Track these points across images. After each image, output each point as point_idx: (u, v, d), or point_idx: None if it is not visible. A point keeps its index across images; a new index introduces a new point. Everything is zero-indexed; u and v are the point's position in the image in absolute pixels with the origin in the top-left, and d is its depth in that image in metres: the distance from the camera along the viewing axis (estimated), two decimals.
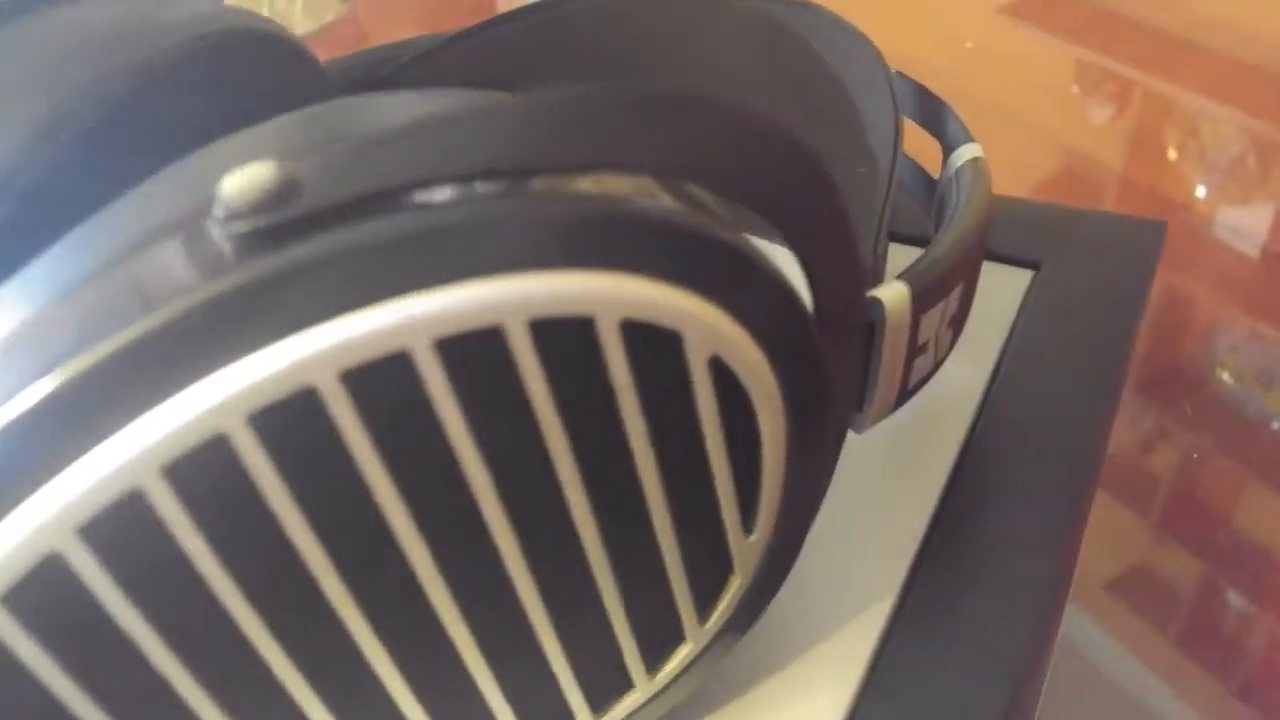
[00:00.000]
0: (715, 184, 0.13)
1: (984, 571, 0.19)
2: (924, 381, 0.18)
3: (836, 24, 0.22)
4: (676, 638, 0.16)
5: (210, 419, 0.11)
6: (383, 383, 0.11)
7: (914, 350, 0.17)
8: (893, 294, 0.16)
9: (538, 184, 0.12)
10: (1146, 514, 0.37)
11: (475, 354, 0.12)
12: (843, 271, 0.15)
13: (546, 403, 0.12)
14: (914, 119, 0.23)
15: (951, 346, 0.19)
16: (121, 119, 0.18)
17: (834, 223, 0.14)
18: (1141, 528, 0.37)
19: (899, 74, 0.23)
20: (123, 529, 0.11)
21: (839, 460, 0.17)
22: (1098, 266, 0.24)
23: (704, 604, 0.16)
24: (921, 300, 0.17)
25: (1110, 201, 0.48)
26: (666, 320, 0.13)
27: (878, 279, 0.18)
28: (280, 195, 0.11)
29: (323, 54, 0.25)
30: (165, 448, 0.11)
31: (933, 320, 0.17)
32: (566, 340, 0.12)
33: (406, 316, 0.11)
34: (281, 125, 0.13)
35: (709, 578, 0.16)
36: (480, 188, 0.12)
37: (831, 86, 0.22)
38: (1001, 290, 0.24)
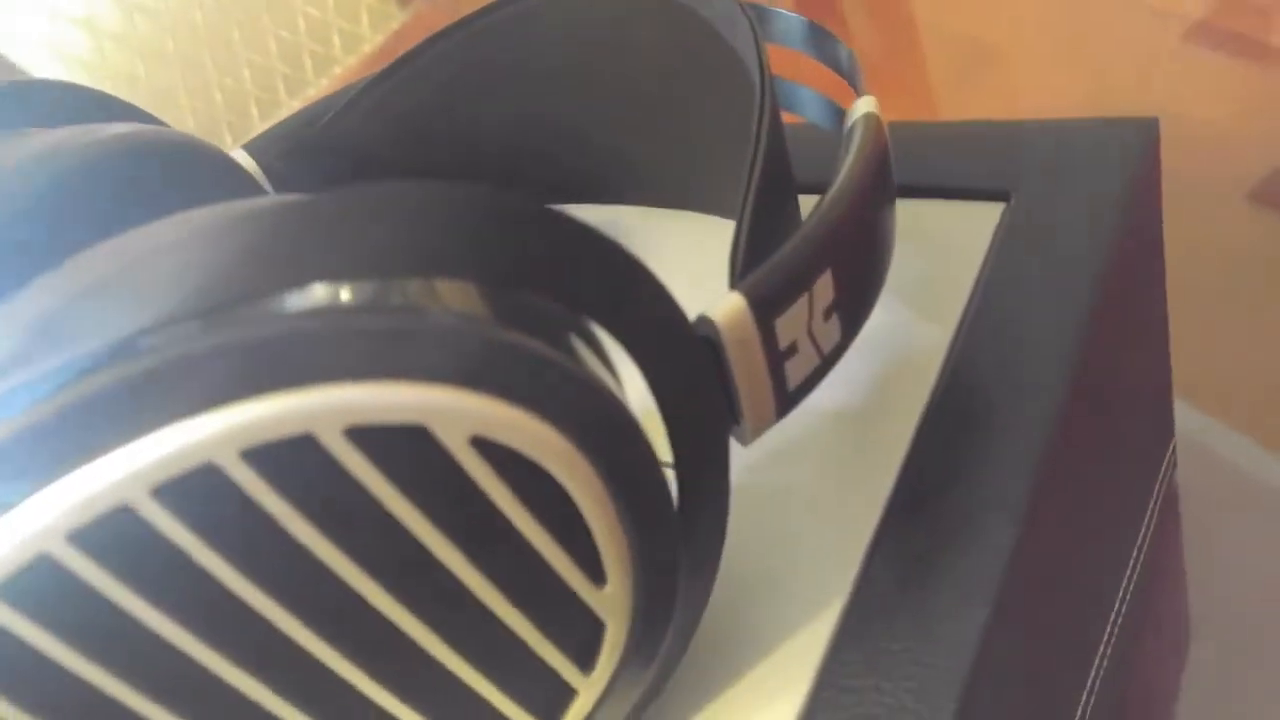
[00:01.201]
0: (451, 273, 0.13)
1: (938, 557, 0.18)
2: (817, 378, 0.17)
3: None
4: (566, 692, 0.16)
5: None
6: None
7: (777, 357, 0.16)
8: (726, 310, 0.15)
9: (231, 316, 0.12)
10: None
11: (208, 488, 0.12)
12: (647, 314, 0.14)
13: (301, 521, 0.12)
14: (822, 63, 0.21)
15: (852, 332, 0.18)
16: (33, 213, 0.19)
17: (609, 270, 0.14)
18: None
19: (793, 15, 0.21)
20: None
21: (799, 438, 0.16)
22: (1078, 187, 0.22)
23: (582, 657, 0.15)
24: (767, 308, 0.16)
25: None
26: (400, 417, 0.12)
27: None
28: None
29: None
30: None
31: (795, 321, 0.16)
32: (295, 459, 0.12)
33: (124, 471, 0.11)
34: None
35: (575, 633, 0.15)
36: (182, 329, 0.12)
37: (730, 61, 0.21)
38: (964, 233, 0.22)
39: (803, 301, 0.16)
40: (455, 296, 0.13)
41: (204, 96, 0.88)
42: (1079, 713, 0.24)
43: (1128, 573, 0.26)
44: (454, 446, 0.13)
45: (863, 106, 0.19)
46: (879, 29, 0.55)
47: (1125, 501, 0.26)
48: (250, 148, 0.27)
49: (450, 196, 0.13)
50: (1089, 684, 0.24)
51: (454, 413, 0.12)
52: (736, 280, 0.16)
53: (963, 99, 0.48)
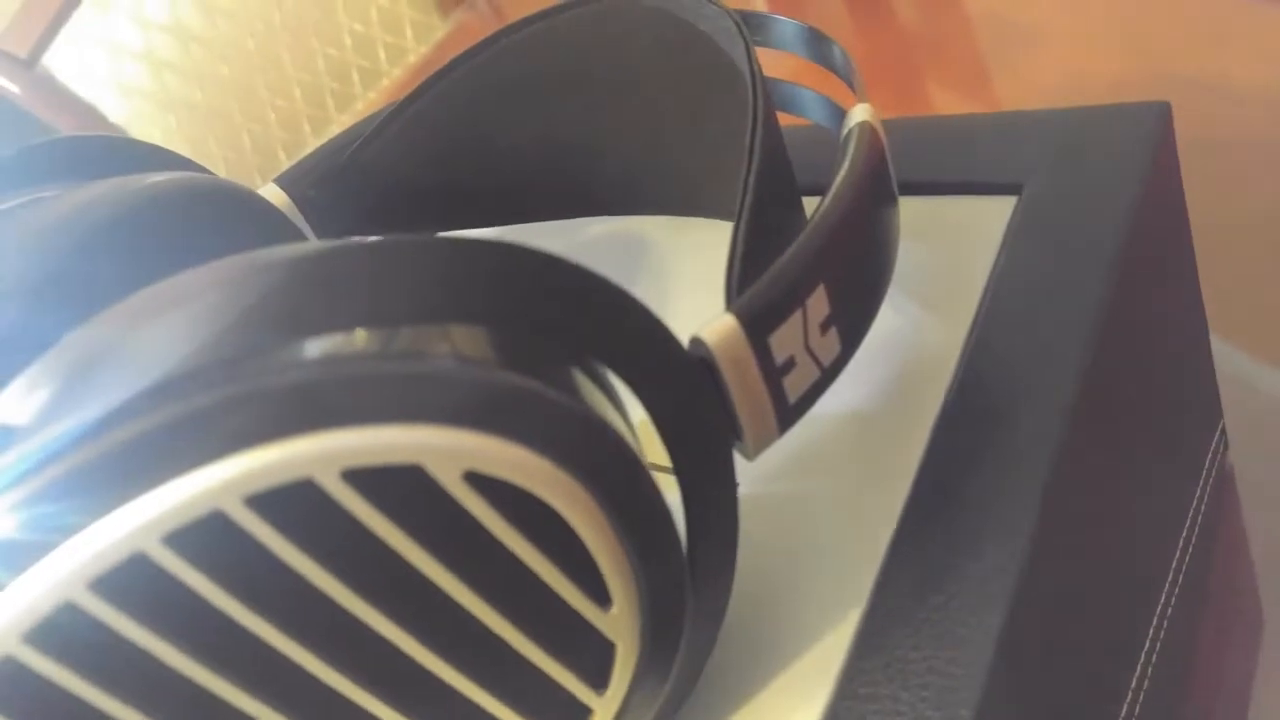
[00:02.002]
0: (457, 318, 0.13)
1: (955, 563, 0.18)
2: (819, 391, 0.17)
3: (710, 3, 0.21)
4: (581, 712, 0.16)
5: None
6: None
7: (774, 374, 0.16)
8: (718, 331, 0.15)
9: (232, 371, 0.12)
10: None
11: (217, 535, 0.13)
12: (639, 345, 0.15)
13: (308, 561, 0.13)
14: (819, 64, 0.21)
15: (853, 343, 0.18)
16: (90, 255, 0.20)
17: (604, 307, 0.14)
18: None
19: (790, 20, 0.21)
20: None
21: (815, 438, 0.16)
22: (1090, 177, 0.22)
23: (595, 677, 0.16)
24: (759, 325, 0.16)
25: None
26: (394, 458, 0.13)
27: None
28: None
29: None
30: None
31: (790, 337, 0.16)
32: (298, 503, 0.13)
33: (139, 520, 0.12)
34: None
35: (586, 654, 0.16)
36: (187, 385, 0.13)
37: (731, 73, 0.21)
38: (976, 229, 0.22)
39: (796, 317, 0.16)
40: (444, 340, 0.13)
41: (259, 117, 0.90)
42: (1125, 711, 0.23)
43: (1174, 563, 0.26)
44: (449, 483, 0.13)
45: (857, 115, 0.19)
46: (925, 14, 0.55)
47: (1166, 489, 0.25)
48: (283, 180, 0.28)
49: (438, 246, 0.13)
50: (1135, 682, 0.24)
51: (446, 451, 0.13)
52: (733, 296, 0.17)
53: (1012, 80, 0.48)
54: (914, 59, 0.52)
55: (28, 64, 0.88)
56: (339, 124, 0.89)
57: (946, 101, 0.50)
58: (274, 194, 0.27)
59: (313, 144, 0.90)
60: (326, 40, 0.88)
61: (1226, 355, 0.32)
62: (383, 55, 0.89)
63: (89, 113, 0.89)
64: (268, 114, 0.88)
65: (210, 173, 0.26)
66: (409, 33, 0.89)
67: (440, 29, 0.89)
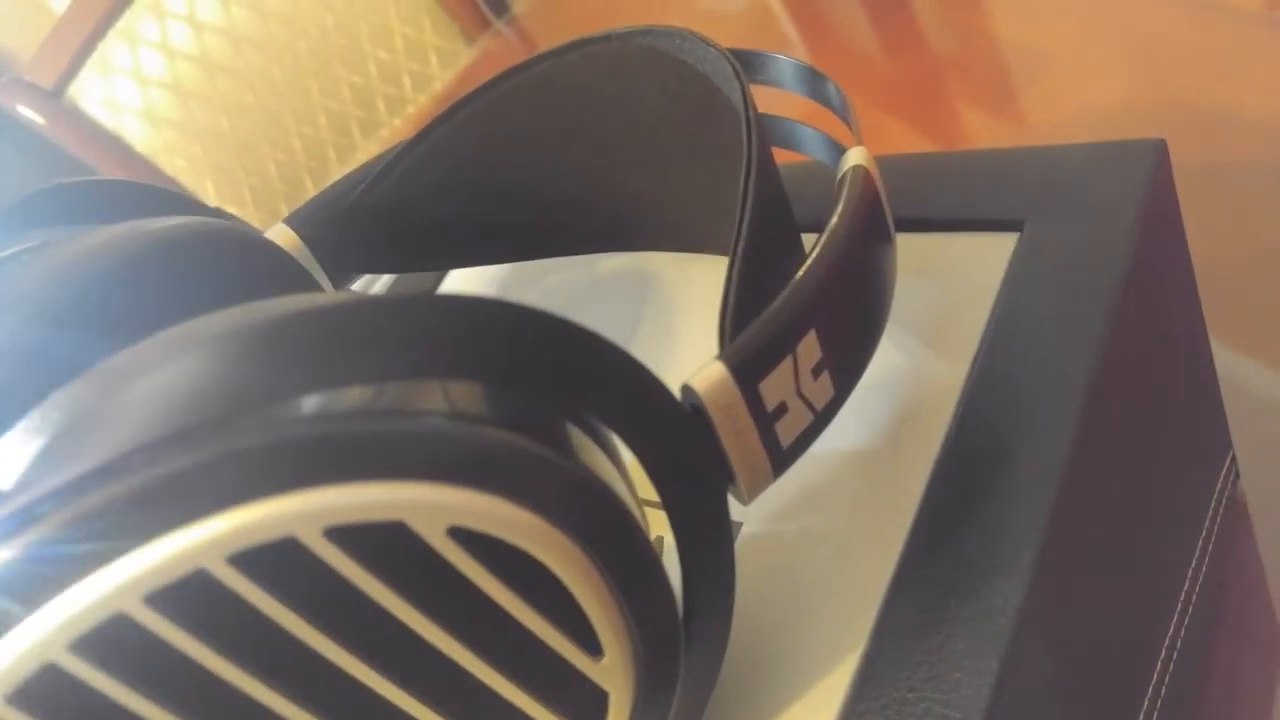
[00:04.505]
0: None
1: (953, 604, 0.18)
2: (812, 435, 0.17)
3: (708, 46, 0.21)
4: None
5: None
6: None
7: (765, 420, 0.16)
8: (708, 380, 0.16)
9: (214, 432, 0.13)
10: None
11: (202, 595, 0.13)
12: (630, 398, 0.15)
13: (292, 616, 0.13)
14: (817, 102, 0.21)
15: (846, 387, 0.18)
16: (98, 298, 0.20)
17: (594, 362, 0.14)
18: None
19: (789, 59, 0.22)
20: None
21: (823, 473, 0.17)
22: (1089, 214, 0.22)
23: None
24: (749, 373, 0.16)
25: None
26: (376, 515, 0.13)
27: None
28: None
29: None
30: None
31: (781, 383, 0.16)
32: (280, 560, 0.13)
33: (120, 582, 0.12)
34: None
35: (578, 703, 0.16)
36: (168, 446, 0.13)
37: (732, 115, 0.21)
38: (978, 267, 0.22)
39: (787, 364, 0.16)
40: (430, 396, 0.14)
41: (285, 145, 0.91)
42: None
43: (1183, 595, 0.26)
44: (432, 538, 0.13)
45: (852, 159, 0.19)
46: (954, 37, 0.55)
47: (1173, 523, 0.25)
48: (293, 220, 0.28)
49: (428, 303, 0.14)
50: (1144, 711, 0.24)
51: (428, 506, 0.13)
52: (726, 342, 0.17)
53: (1026, 104, 0.48)
54: (937, 80, 0.52)
55: (53, 94, 0.90)
56: (365, 151, 0.89)
57: (967, 120, 0.50)
58: (283, 234, 0.28)
59: (338, 172, 0.91)
60: (352, 68, 0.89)
61: (1236, 385, 0.31)
62: (408, 83, 0.90)
63: (115, 143, 0.90)
64: (294, 142, 0.89)
65: (221, 213, 0.26)
66: (434, 60, 0.90)
67: (465, 56, 0.90)
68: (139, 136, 0.90)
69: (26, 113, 0.88)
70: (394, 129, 0.91)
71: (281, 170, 0.90)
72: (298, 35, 0.90)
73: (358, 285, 0.33)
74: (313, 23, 0.90)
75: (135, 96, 0.89)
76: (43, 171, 0.93)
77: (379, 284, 0.36)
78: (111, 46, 0.90)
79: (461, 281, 0.34)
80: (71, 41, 0.89)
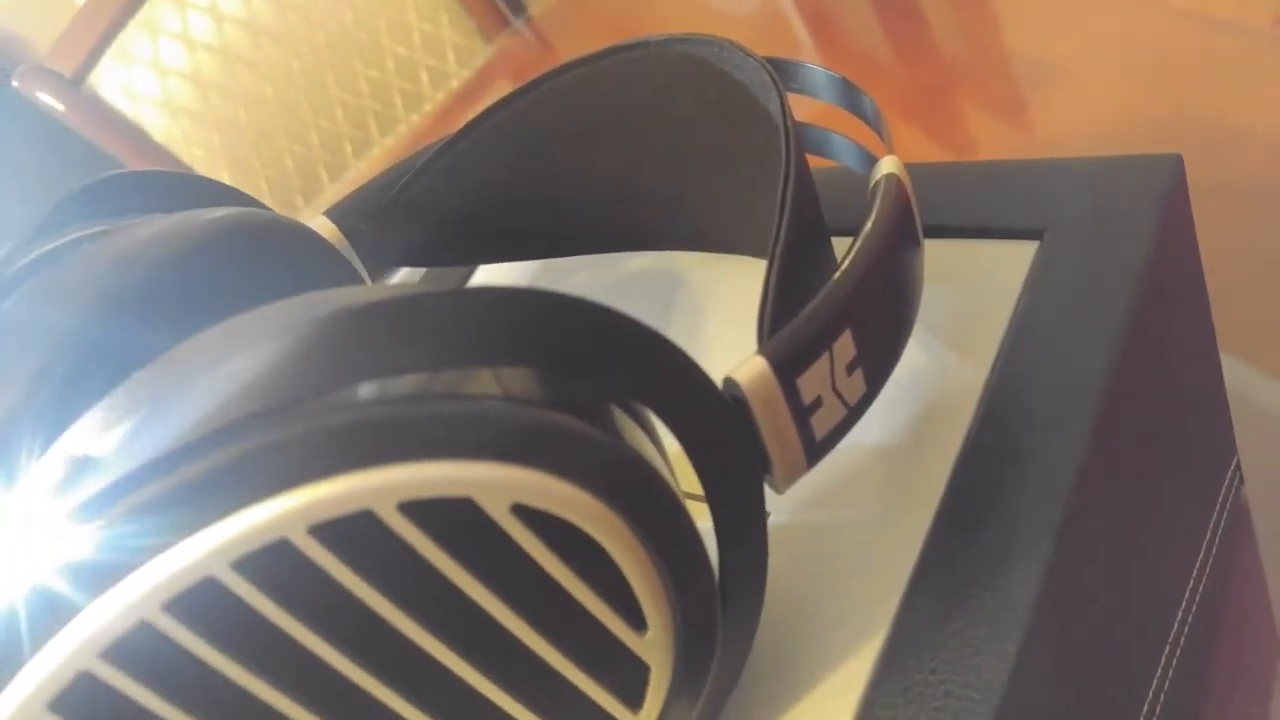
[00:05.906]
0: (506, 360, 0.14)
1: (973, 592, 0.19)
2: (845, 428, 0.18)
3: (746, 55, 0.22)
4: None
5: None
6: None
7: (802, 412, 0.17)
8: (750, 373, 0.17)
9: (298, 411, 0.14)
10: None
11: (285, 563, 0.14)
12: (677, 387, 0.16)
13: (365, 586, 0.14)
14: (849, 112, 0.22)
15: (877, 383, 0.19)
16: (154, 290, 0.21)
17: (638, 352, 0.15)
18: None
19: (823, 70, 0.23)
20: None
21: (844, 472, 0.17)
22: (1108, 225, 0.23)
23: (630, 696, 0.17)
24: (788, 368, 0.17)
25: None
26: (446, 491, 0.14)
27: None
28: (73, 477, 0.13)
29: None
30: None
31: (818, 378, 0.17)
32: (358, 532, 0.14)
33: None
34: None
35: (622, 675, 0.17)
36: (255, 424, 0.14)
37: (767, 122, 0.22)
38: (999, 273, 0.23)
39: (824, 360, 0.17)
40: (493, 382, 0.14)
41: (301, 138, 0.92)
42: None
43: (1187, 594, 0.26)
44: (497, 514, 0.14)
45: (885, 167, 0.20)
46: (966, 46, 0.56)
47: (1179, 523, 0.26)
48: (333, 214, 0.29)
49: (489, 295, 0.15)
50: (1147, 709, 0.25)
51: (494, 484, 0.14)
52: (765, 338, 0.18)
53: (1039, 118, 0.49)
54: (947, 87, 0.53)
55: (74, 83, 0.91)
56: (381, 147, 0.90)
57: (975, 128, 0.51)
58: (325, 226, 0.29)
59: (354, 165, 0.92)
60: (370, 63, 0.90)
61: (1241, 394, 0.32)
62: (425, 79, 0.91)
63: (133, 131, 0.91)
64: (310, 135, 0.90)
65: (265, 207, 0.27)
66: (451, 57, 0.91)
67: (483, 54, 0.91)
68: (157, 126, 0.91)
69: (46, 99, 0.89)
70: (411, 125, 0.92)
71: (298, 162, 0.91)
72: (316, 29, 0.91)
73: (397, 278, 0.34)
74: (332, 17, 0.91)
75: (154, 86, 0.90)
76: (61, 158, 0.94)
77: (415, 277, 0.37)
78: (132, 36, 0.91)
79: (490, 277, 0.35)
80: (92, 30, 0.90)
